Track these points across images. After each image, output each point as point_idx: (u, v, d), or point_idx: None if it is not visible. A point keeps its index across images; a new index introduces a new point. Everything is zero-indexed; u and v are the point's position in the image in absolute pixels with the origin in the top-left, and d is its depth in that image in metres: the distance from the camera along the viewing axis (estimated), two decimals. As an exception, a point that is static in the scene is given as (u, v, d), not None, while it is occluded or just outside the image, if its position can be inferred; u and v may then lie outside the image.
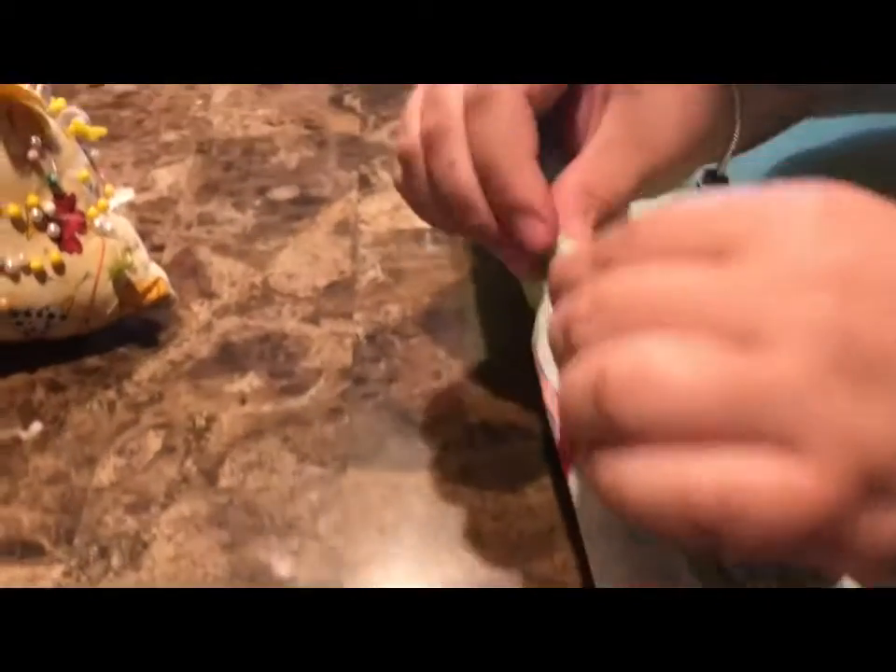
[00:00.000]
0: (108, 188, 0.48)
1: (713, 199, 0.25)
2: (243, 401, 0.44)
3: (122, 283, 0.46)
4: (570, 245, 0.34)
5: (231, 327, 0.48)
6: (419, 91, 0.37)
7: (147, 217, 0.56)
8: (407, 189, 0.37)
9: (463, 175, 0.34)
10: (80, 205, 0.45)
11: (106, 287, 0.46)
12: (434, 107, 0.35)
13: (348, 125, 0.63)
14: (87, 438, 0.43)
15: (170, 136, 0.64)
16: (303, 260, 0.52)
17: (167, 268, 0.52)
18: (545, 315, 0.39)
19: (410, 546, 0.37)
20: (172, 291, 0.48)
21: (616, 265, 0.25)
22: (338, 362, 0.46)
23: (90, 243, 0.45)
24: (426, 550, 0.37)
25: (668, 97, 0.36)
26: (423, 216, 0.38)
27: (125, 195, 0.49)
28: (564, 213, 0.34)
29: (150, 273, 0.47)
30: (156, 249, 0.53)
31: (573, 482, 0.36)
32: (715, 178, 0.44)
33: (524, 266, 0.35)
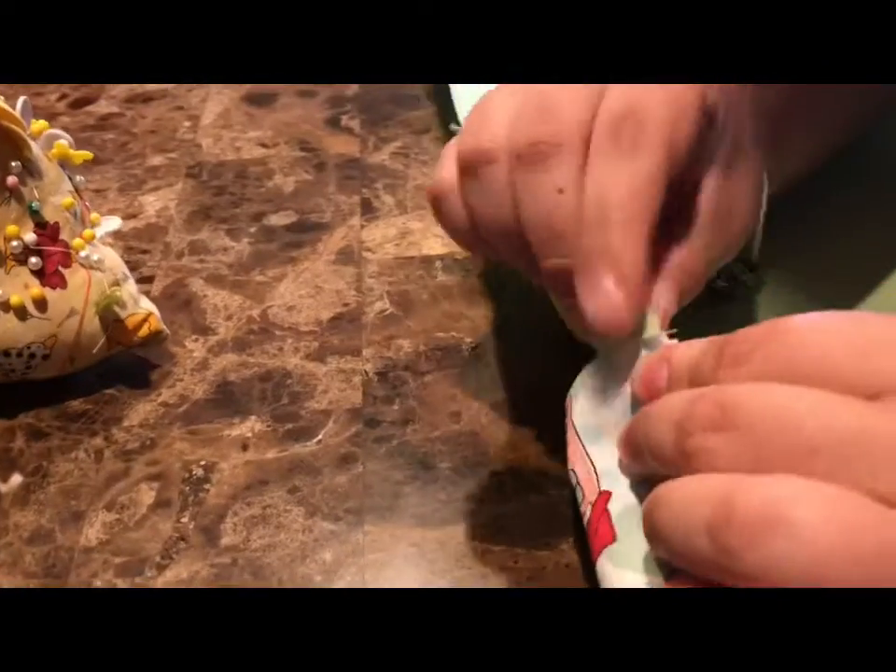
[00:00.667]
0: (94, 216, 0.44)
1: (877, 328, 0.23)
2: (244, 448, 0.40)
3: (110, 319, 0.42)
4: (655, 323, 0.31)
5: (229, 365, 0.44)
6: (505, 90, 0.33)
7: (134, 247, 0.52)
8: (460, 202, 0.33)
9: (569, 206, 0.30)
10: (64, 235, 0.41)
11: (93, 324, 0.42)
12: (542, 115, 0.31)
13: (347, 146, 0.60)
14: (72, 491, 0.39)
15: (157, 160, 0.60)
16: (305, 292, 0.49)
17: (157, 301, 0.48)
18: (592, 377, 0.34)
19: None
20: (164, 327, 0.44)
21: (751, 370, 0.23)
22: (347, 402, 0.42)
23: (74, 276, 0.41)
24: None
25: (749, 180, 0.35)
26: (467, 240, 0.34)
27: (112, 223, 0.45)
28: (665, 289, 0.32)
29: (141, 308, 0.43)
30: (145, 281, 0.50)
31: (602, 566, 0.31)
32: (749, 265, 0.42)
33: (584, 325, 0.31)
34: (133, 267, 0.50)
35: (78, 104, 0.67)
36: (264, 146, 0.60)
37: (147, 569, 0.36)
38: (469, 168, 0.32)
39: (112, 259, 0.43)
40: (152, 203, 0.56)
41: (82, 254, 0.42)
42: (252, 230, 0.53)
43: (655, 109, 0.30)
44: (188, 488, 0.39)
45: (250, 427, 0.41)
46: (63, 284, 0.41)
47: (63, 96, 0.67)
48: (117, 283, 0.43)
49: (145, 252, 0.52)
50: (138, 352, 0.44)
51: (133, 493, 0.39)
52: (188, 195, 0.56)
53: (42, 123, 0.42)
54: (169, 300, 0.48)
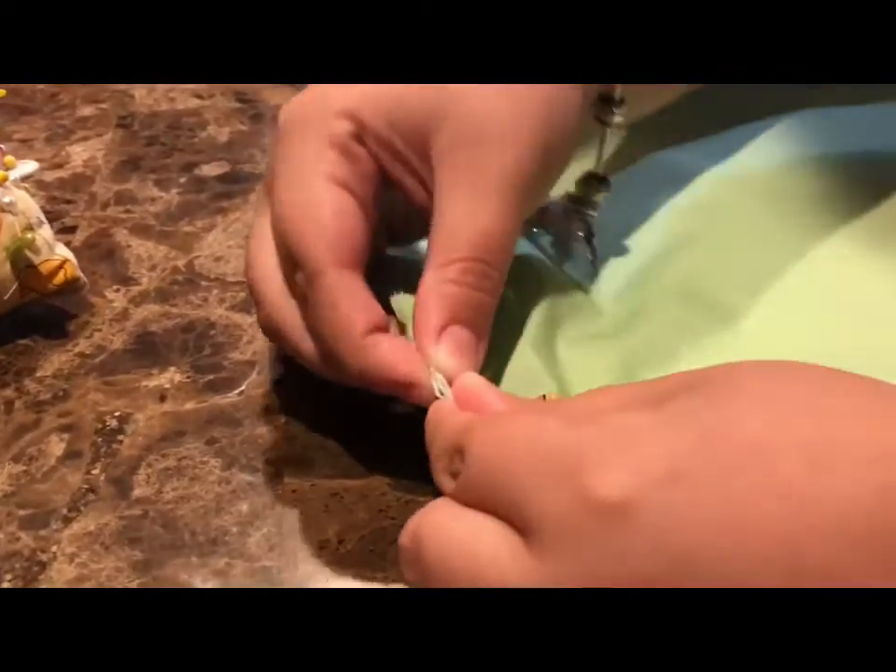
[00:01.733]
0: (9, 158, 0.42)
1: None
2: (162, 399, 0.38)
3: (22, 264, 0.40)
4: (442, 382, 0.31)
5: (150, 315, 0.42)
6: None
7: (57, 197, 0.50)
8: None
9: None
10: None
11: (3, 269, 0.40)
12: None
13: (285, 97, 0.57)
14: (-22, 442, 0.37)
15: (87, 110, 0.58)
16: (234, 242, 0.47)
17: (78, 251, 0.46)
18: None
19: (354, 564, 0.32)
20: (81, 274, 0.42)
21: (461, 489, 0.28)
22: (272, 354, 0.40)
23: None
24: (373, 568, 0.32)
25: (497, 136, 0.33)
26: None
27: (28, 167, 0.43)
28: (426, 333, 0.32)
29: (56, 255, 0.41)
30: (67, 231, 0.47)
31: None
32: (596, 179, 0.41)
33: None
34: (55, 217, 0.48)
35: (8, 54, 0.64)
36: (199, 97, 0.58)
37: (53, 521, 0.34)
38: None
39: (26, 202, 0.41)
40: (79, 154, 0.54)
41: (-6, 195, 0.39)
42: (182, 180, 0.51)
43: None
44: (100, 440, 0.37)
45: (169, 378, 0.39)
46: None
47: (-8, 46, 0.65)
48: (30, 227, 0.40)
49: (69, 202, 0.50)
50: (55, 301, 0.42)
51: (42, 444, 0.37)
52: (117, 145, 0.54)
53: None
54: (90, 249, 0.46)
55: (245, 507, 0.34)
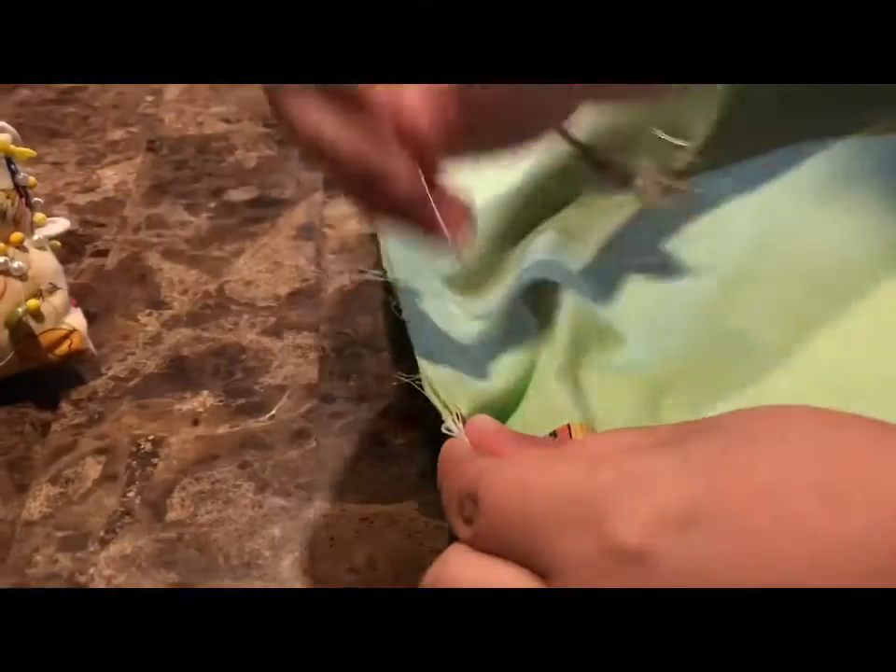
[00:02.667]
0: (39, 216, 0.41)
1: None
2: (195, 423, 0.39)
3: (21, 334, 0.39)
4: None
5: (183, 339, 0.43)
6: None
7: (90, 220, 0.51)
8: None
9: None
10: None
11: (0, 337, 0.39)
12: None
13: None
14: (17, 464, 0.38)
15: (117, 134, 0.59)
16: (263, 267, 0.48)
17: (111, 274, 0.47)
18: None
19: (385, 587, 0.33)
20: (90, 346, 0.41)
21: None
22: (303, 378, 0.41)
23: None
24: (404, 592, 0.33)
25: None
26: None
27: (58, 226, 0.42)
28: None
29: (64, 324, 0.40)
30: (99, 255, 0.48)
31: None
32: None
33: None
34: (87, 240, 0.49)
35: (39, 77, 0.65)
36: (227, 121, 0.59)
37: (90, 544, 0.35)
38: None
39: (43, 266, 0.40)
40: (110, 178, 0.55)
41: (0, 259, 0.39)
42: (212, 205, 0.52)
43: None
44: (135, 462, 0.38)
45: (202, 401, 0.40)
46: None
47: (24, 69, 0.66)
48: (39, 294, 0.40)
49: (101, 226, 0.51)
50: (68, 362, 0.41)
51: (78, 467, 0.38)
52: (147, 169, 0.55)
53: None
54: (124, 273, 0.47)
55: (277, 531, 0.35)
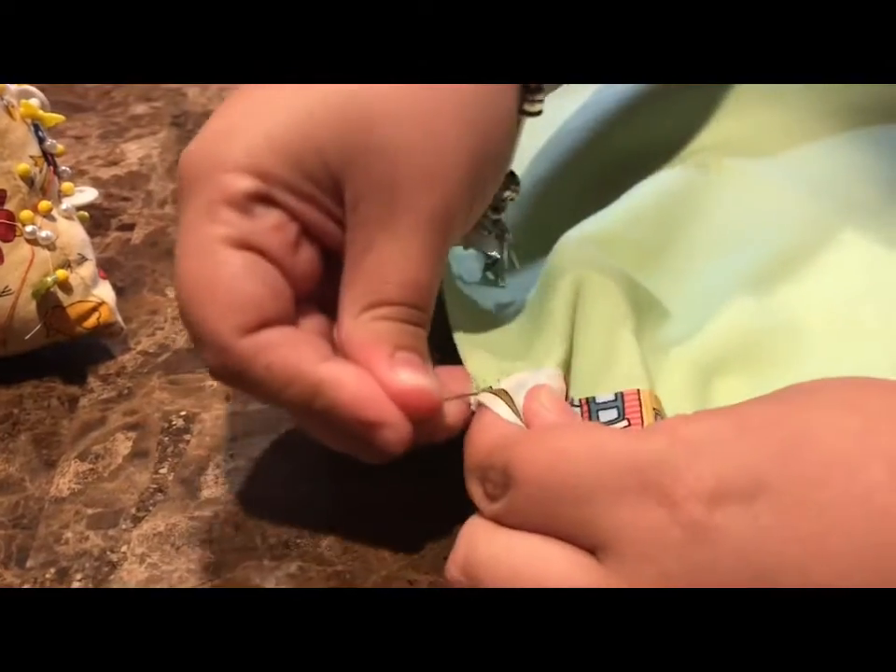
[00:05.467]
0: (67, 185, 0.40)
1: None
2: (227, 398, 0.38)
3: (49, 305, 0.38)
4: None
5: (213, 314, 0.42)
6: None
7: (114, 194, 0.50)
8: None
9: None
10: (10, 205, 0.38)
11: (28, 308, 0.38)
12: None
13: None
14: (44, 440, 0.37)
15: (140, 108, 0.58)
16: (293, 242, 0.46)
17: (138, 248, 0.46)
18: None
19: (429, 570, 0.32)
20: (118, 319, 0.40)
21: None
22: (337, 355, 0.40)
23: (15, 251, 0.37)
24: (449, 574, 0.31)
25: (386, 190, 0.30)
26: None
27: (86, 196, 0.41)
28: (379, 362, 0.30)
29: (92, 296, 0.39)
30: (125, 228, 0.47)
31: None
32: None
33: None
34: (113, 214, 0.48)
35: (59, 51, 0.64)
36: (253, 96, 0.58)
37: (122, 521, 0.34)
38: None
39: (70, 236, 0.39)
40: (134, 152, 0.53)
41: (28, 228, 0.37)
42: (239, 179, 0.51)
43: None
44: (167, 439, 0.36)
45: (234, 377, 0.39)
46: None
47: (44, 43, 0.65)
48: (68, 265, 0.38)
49: (126, 199, 0.50)
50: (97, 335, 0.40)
51: (108, 443, 0.36)
52: (171, 144, 0.54)
53: None
54: (150, 247, 0.46)
55: (315, 510, 0.34)
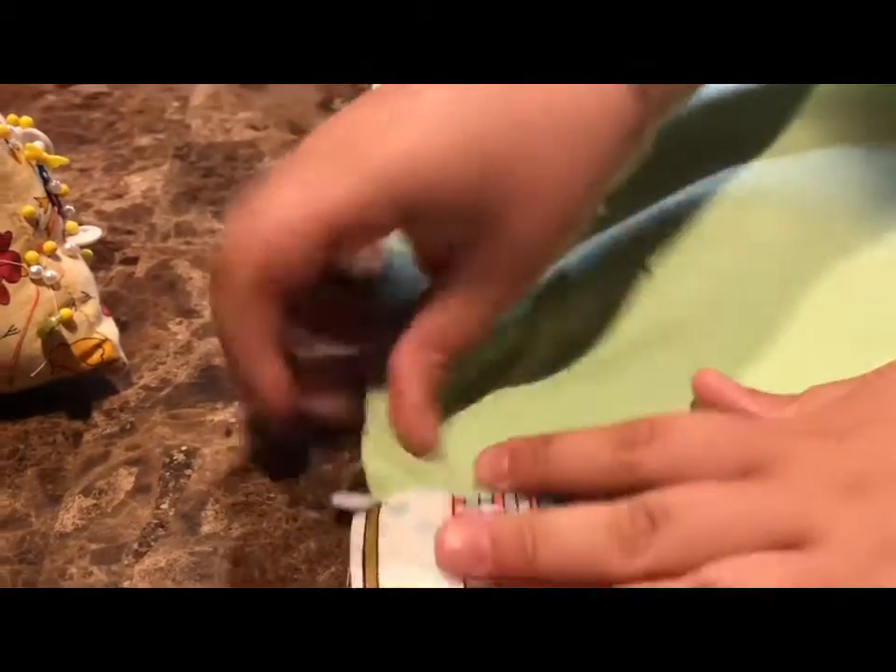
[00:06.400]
0: (71, 224, 0.41)
1: (740, 421, 0.31)
2: (228, 433, 0.39)
3: (54, 343, 0.39)
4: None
5: (213, 348, 0.43)
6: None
7: (118, 227, 0.51)
8: None
9: None
10: (16, 246, 0.38)
11: (33, 346, 0.39)
12: None
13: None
14: (50, 475, 0.38)
15: (144, 140, 0.59)
16: (292, 275, 0.47)
17: (141, 282, 0.47)
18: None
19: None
20: (121, 355, 0.41)
21: (650, 467, 0.29)
22: (334, 389, 0.41)
23: (20, 291, 0.38)
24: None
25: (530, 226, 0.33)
26: None
27: (90, 235, 0.42)
28: (404, 379, 0.34)
29: (95, 334, 0.40)
30: (129, 262, 0.48)
31: None
32: None
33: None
34: (116, 247, 0.49)
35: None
36: (254, 128, 0.59)
37: (125, 556, 0.35)
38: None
39: (74, 275, 0.40)
40: (138, 184, 0.54)
41: (34, 269, 0.38)
42: (240, 212, 0.52)
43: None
44: (168, 474, 0.37)
45: (234, 412, 0.40)
46: (4, 299, 0.38)
47: (50, 74, 0.66)
48: (72, 303, 0.39)
49: (129, 233, 0.51)
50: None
51: (111, 478, 0.37)
52: (175, 176, 0.55)
53: (12, 119, 0.40)
54: (153, 281, 0.47)
55: (312, 544, 0.35)
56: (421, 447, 0.34)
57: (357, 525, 0.33)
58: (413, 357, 0.34)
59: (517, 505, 0.32)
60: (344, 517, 0.34)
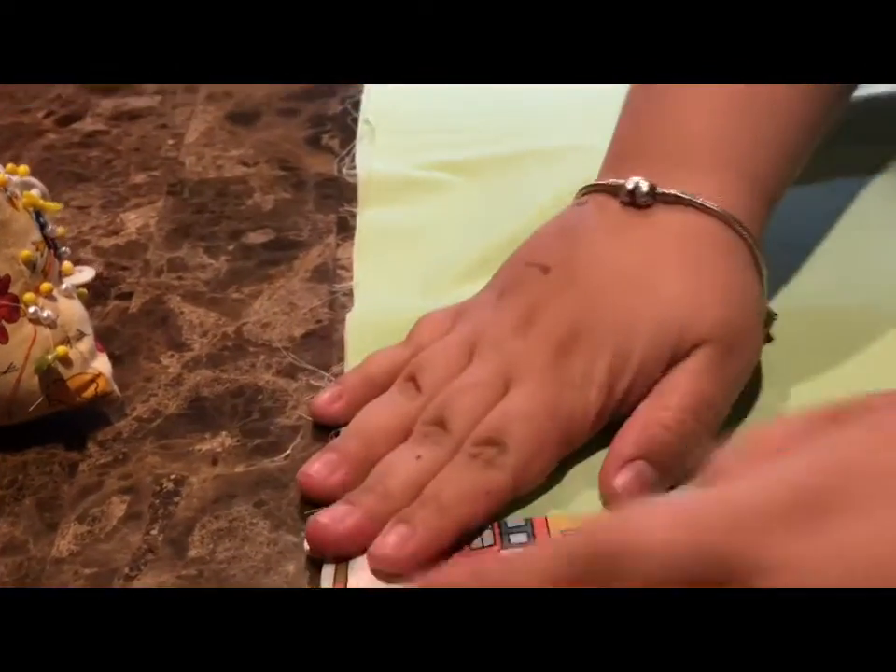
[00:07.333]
0: (67, 265, 0.44)
1: None
2: (214, 462, 0.41)
3: (50, 379, 0.41)
4: None
5: (203, 380, 0.45)
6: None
7: (114, 263, 0.54)
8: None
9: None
10: (14, 289, 0.41)
11: (31, 382, 0.41)
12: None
13: (326, 165, 0.61)
14: (47, 503, 0.40)
15: (140, 178, 0.61)
16: (279, 309, 0.50)
17: (135, 317, 0.49)
18: None
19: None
20: (114, 388, 0.43)
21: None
22: (315, 420, 0.43)
23: (19, 331, 0.41)
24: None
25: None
26: None
27: (84, 276, 0.45)
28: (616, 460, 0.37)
29: (90, 369, 0.42)
30: (124, 297, 0.51)
31: None
32: None
33: None
34: (112, 283, 0.52)
35: (65, 121, 0.68)
36: (245, 164, 0.62)
37: (116, 580, 0.37)
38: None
39: (70, 314, 0.42)
40: (133, 221, 0.57)
41: (31, 309, 0.41)
42: (230, 247, 0.54)
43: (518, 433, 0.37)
44: (158, 501, 0.40)
45: (220, 441, 0.42)
46: (3, 338, 0.41)
47: (50, 113, 0.69)
48: (67, 341, 0.42)
49: (124, 269, 0.53)
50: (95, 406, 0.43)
51: (104, 506, 0.40)
52: (168, 213, 0.58)
53: (10, 168, 0.42)
54: (146, 316, 0.49)
55: (291, 567, 0.37)
56: None
57: (328, 570, 0.36)
58: (646, 412, 0.38)
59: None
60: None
